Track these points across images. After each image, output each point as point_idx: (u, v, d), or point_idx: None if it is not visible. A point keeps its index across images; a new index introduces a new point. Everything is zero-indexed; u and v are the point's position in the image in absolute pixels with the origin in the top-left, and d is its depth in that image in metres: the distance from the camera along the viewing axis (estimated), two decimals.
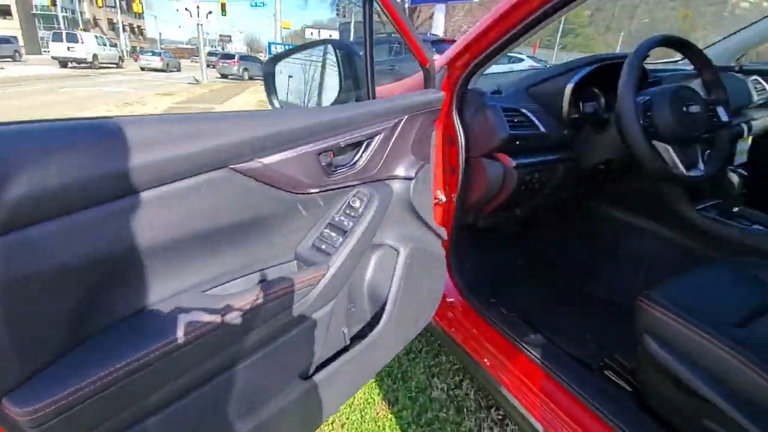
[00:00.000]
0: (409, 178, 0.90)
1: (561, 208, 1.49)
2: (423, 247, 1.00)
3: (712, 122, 1.00)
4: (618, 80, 0.95)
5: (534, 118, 1.07)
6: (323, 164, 0.70)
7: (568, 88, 1.07)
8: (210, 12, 13.57)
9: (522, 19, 0.87)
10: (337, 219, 0.76)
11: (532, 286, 1.50)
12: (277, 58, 0.92)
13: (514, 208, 1.28)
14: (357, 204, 0.78)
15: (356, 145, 0.79)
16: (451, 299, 1.25)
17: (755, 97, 1.59)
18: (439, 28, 11.26)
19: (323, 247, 0.74)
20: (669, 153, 0.93)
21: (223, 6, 13.90)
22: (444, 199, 1.16)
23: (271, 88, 0.93)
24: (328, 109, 0.73)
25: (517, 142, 1.04)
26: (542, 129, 1.07)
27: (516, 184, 1.05)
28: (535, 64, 12.14)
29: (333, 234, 0.75)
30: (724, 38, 1.69)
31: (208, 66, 15.43)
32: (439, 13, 11.35)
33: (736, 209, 1.13)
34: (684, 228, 1.26)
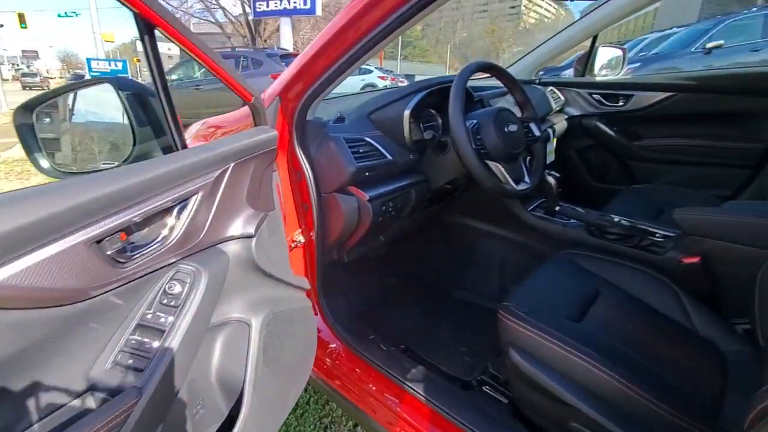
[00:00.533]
0: (249, 236, 0.76)
1: (421, 224, 1.53)
2: (282, 307, 0.87)
3: (528, 137, 1.12)
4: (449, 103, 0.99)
5: (379, 147, 1.04)
6: (108, 253, 0.51)
7: (406, 114, 1.08)
8: (1, 25, 10.80)
9: (358, 40, 0.82)
10: (149, 317, 0.58)
11: (406, 305, 1.50)
12: (33, 105, 0.67)
13: (377, 236, 1.25)
14: (177, 289, 0.60)
15: (166, 213, 0.62)
16: (332, 345, 1.14)
17: (553, 105, 1.90)
18: (287, 42, 11.06)
19: (130, 362, 0.55)
20: (500, 170, 1.01)
21: (21, 17, 11.20)
22: (303, 239, 1.05)
23: (32, 145, 0.68)
24: (112, 174, 0.54)
25: (367, 174, 1.00)
26: (389, 156, 1.05)
27: (373, 216, 1.01)
28: (382, 74, 12.98)
29: (145, 339, 0.56)
30: (524, 56, 1.99)
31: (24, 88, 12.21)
32: (285, 26, 11.15)
33: (557, 207, 1.30)
34: (522, 228, 1.40)
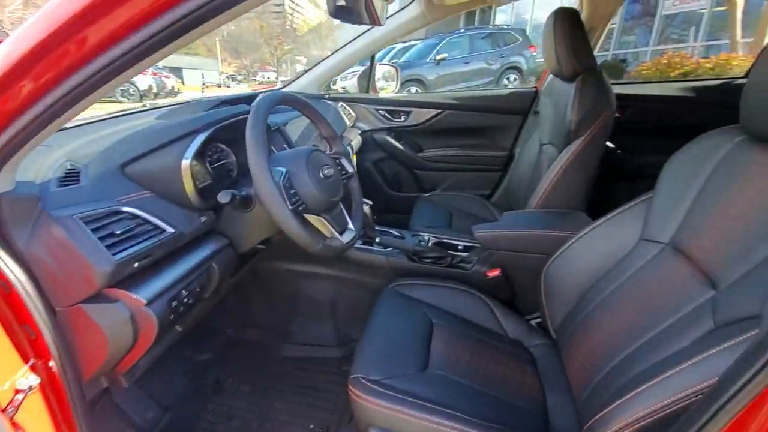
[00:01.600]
0: None
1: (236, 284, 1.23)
2: None
3: (342, 176, 1.01)
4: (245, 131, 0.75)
5: (151, 218, 0.71)
6: None
7: (185, 165, 0.78)
8: None
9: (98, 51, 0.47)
10: None
11: (229, 387, 1.20)
12: None
13: (171, 330, 0.90)
14: None
15: None
16: None
17: (347, 121, 1.88)
18: None
19: None
20: (325, 225, 0.85)
21: None
22: (36, 382, 0.62)
23: None
24: None
25: (137, 264, 0.66)
26: (169, 229, 0.73)
27: (159, 322, 0.68)
28: None
29: None
30: (309, 69, 1.88)
31: None
32: None
33: (378, 239, 1.26)
34: (346, 264, 1.31)
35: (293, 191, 0.79)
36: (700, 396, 0.56)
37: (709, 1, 8.21)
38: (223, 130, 0.91)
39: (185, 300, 0.75)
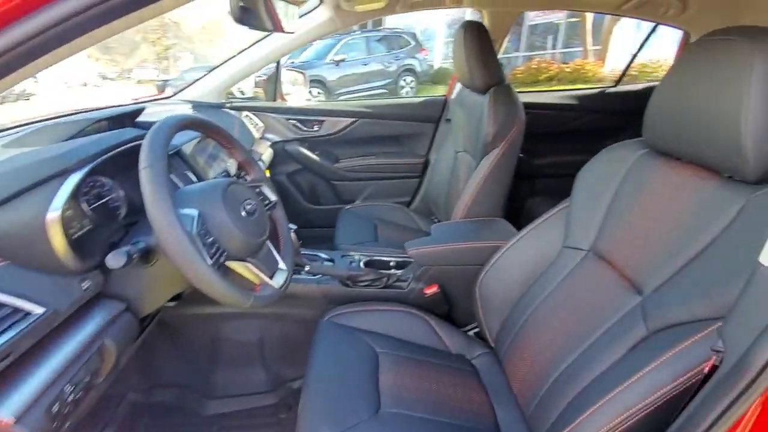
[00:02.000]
0: None
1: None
2: None
3: (264, 206, 0.88)
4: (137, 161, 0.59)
5: (10, 299, 0.51)
6: None
7: (50, 220, 0.58)
8: None
9: None
10: None
11: None
12: None
13: None
14: None
15: None
16: None
17: (255, 133, 1.71)
18: None
19: None
20: (251, 271, 0.72)
21: None
22: None
23: None
24: None
25: None
26: (39, 310, 0.54)
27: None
28: None
29: None
30: (205, 75, 1.66)
31: None
32: None
33: (307, 267, 1.15)
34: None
35: (210, 239, 0.64)
36: (651, 409, 0.59)
37: (565, 13, 9.61)
38: (104, 162, 0.72)
39: (71, 398, 0.56)
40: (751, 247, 0.55)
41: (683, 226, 0.70)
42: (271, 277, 0.77)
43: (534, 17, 10.36)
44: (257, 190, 0.88)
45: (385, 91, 8.79)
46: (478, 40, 1.33)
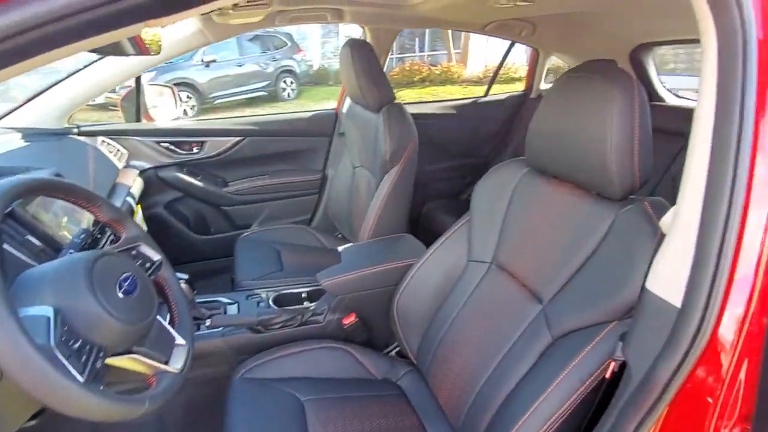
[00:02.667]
0: None
1: None
2: None
3: (147, 270, 0.72)
4: None
5: None
6: None
7: None
8: None
9: None
10: None
11: None
12: None
13: None
14: None
15: None
16: None
17: (118, 163, 1.44)
18: None
19: None
20: (143, 362, 0.58)
21: None
22: None
23: None
24: None
25: None
26: None
27: None
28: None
29: None
30: (39, 93, 1.32)
31: None
32: None
33: (208, 321, 1.00)
34: None
35: (77, 344, 0.49)
36: (568, 414, 0.65)
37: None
38: None
39: None
40: (623, 259, 0.65)
41: (568, 238, 0.79)
42: (166, 362, 0.64)
43: None
44: (133, 252, 0.72)
45: (265, 93, 8.38)
46: (366, 59, 1.32)
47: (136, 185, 1.49)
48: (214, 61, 8.02)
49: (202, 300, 1.12)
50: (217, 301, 1.14)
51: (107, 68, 1.36)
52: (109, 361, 0.55)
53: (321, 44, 12.15)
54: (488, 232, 0.96)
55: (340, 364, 1.05)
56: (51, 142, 1.29)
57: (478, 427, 0.80)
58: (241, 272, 1.41)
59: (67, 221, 0.86)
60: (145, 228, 1.49)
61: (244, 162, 1.79)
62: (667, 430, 0.46)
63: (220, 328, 1.05)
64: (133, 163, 1.59)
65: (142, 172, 1.59)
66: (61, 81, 1.34)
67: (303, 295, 1.22)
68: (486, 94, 2.17)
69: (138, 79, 1.53)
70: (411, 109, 1.43)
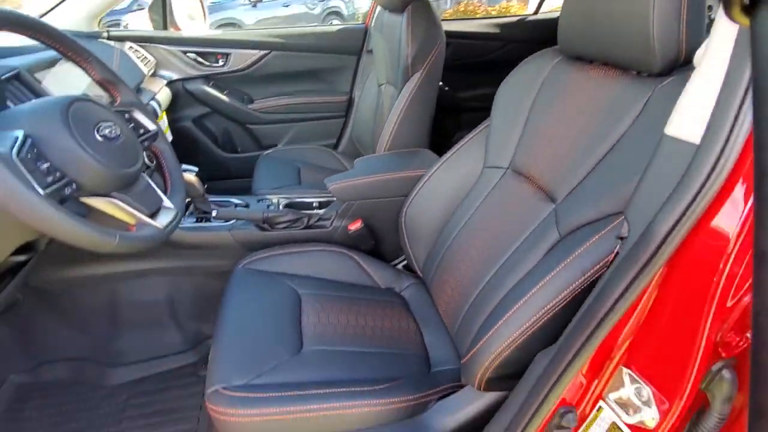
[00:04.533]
0: None
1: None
2: None
3: (140, 136, 0.72)
4: None
5: None
6: None
7: None
8: None
9: None
10: None
11: None
12: None
13: None
14: None
15: None
16: None
17: (144, 69, 1.45)
18: None
19: None
20: (122, 208, 0.59)
21: None
22: None
23: None
24: None
25: None
26: None
27: None
28: None
29: None
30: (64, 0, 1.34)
31: None
32: None
33: (215, 212, 1.02)
34: (179, 250, 1.03)
35: (45, 165, 0.50)
36: (561, 306, 0.59)
37: None
38: None
39: None
40: (657, 134, 0.55)
41: (595, 126, 0.70)
42: (151, 216, 0.64)
43: None
44: (127, 115, 0.72)
45: None
46: None
47: (163, 93, 1.51)
48: (260, 0, 7.90)
49: (214, 199, 1.13)
50: (227, 201, 1.16)
51: None
52: (86, 200, 0.56)
53: None
54: (508, 135, 0.88)
55: (343, 268, 1.04)
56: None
57: (471, 328, 0.76)
58: (257, 183, 1.42)
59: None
60: (170, 137, 1.53)
61: (269, 79, 1.75)
62: (666, 295, 0.39)
63: (229, 222, 1.07)
64: (161, 72, 1.60)
65: (170, 83, 1.60)
66: None
67: (314, 204, 1.21)
68: (537, 11, 1.92)
69: None
70: (446, 26, 1.30)
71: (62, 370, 1.01)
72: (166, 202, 0.70)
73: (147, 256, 1.01)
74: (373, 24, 1.63)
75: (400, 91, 1.27)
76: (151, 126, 0.76)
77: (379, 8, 1.57)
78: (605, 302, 0.45)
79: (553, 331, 0.60)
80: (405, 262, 1.19)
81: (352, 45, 1.77)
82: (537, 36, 1.92)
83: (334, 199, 1.18)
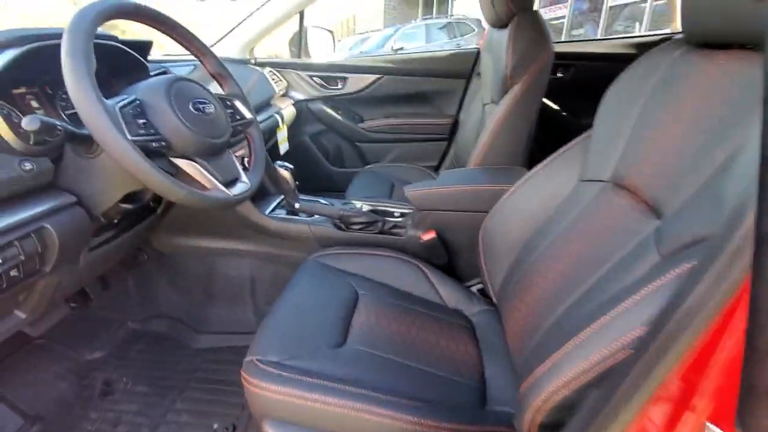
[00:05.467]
0: None
1: (121, 258, 1.02)
2: None
3: (236, 121, 0.83)
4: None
5: None
6: None
7: None
8: None
9: None
10: None
11: (134, 384, 1.00)
12: None
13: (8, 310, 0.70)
14: None
15: None
16: None
17: (276, 88, 1.70)
18: None
19: None
20: (201, 172, 0.68)
21: None
22: None
23: None
24: None
25: None
26: None
27: None
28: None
29: None
30: (229, 32, 1.67)
31: None
32: None
33: (298, 204, 1.10)
34: (264, 236, 1.14)
35: (142, 121, 0.61)
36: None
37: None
38: (35, 57, 0.69)
39: (4, 272, 0.56)
40: None
41: (719, 121, 0.54)
42: (227, 185, 0.72)
43: None
44: (228, 103, 0.83)
45: None
46: None
47: (288, 110, 1.74)
48: (402, 48, 8.66)
49: (305, 198, 1.22)
50: (316, 201, 1.23)
51: (273, 8, 1.59)
52: (174, 159, 0.66)
53: None
54: (612, 144, 0.75)
55: (411, 279, 0.99)
56: (232, 67, 1.62)
57: (533, 361, 0.63)
58: (351, 190, 1.48)
59: None
60: (286, 146, 1.73)
61: (380, 100, 1.87)
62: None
63: (312, 218, 1.13)
64: (291, 93, 1.85)
65: (296, 103, 1.84)
66: (241, 22, 1.66)
67: (395, 213, 1.20)
68: None
69: (301, 18, 1.76)
70: (570, 48, 1.20)
71: (164, 325, 1.19)
72: (243, 177, 0.78)
73: (240, 237, 1.14)
74: (484, 45, 1.61)
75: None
76: (247, 114, 0.86)
77: (488, 28, 1.55)
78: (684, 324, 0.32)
79: None
80: (480, 286, 1.07)
81: (462, 68, 1.77)
82: None
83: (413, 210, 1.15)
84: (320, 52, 1.89)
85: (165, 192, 0.60)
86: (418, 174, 1.72)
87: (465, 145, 1.63)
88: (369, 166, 1.77)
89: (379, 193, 1.49)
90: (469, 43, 8.81)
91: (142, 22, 0.70)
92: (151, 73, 0.89)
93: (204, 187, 0.68)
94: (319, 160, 1.96)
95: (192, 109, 0.68)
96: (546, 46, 1.11)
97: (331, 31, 1.96)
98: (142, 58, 0.88)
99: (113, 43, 0.82)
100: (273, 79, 1.72)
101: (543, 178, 0.87)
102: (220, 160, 0.73)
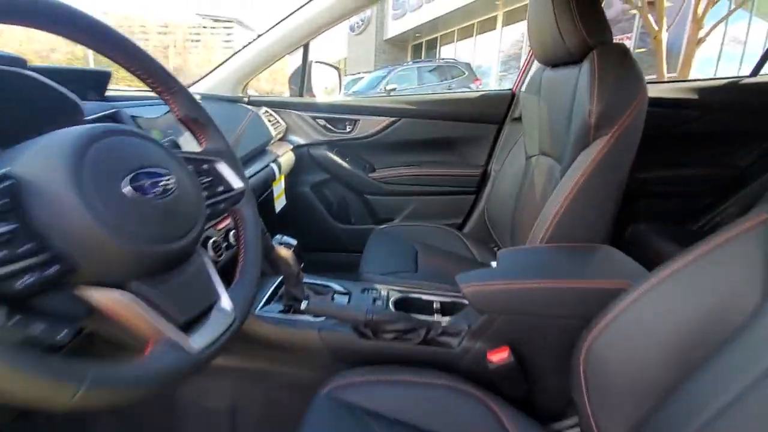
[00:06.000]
0: None
1: None
2: None
3: (216, 196, 0.51)
4: None
5: None
6: None
7: None
8: None
9: None
10: None
11: None
12: None
13: None
14: None
15: None
16: None
17: (273, 132, 1.40)
18: None
19: None
20: (132, 309, 0.34)
21: None
22: None
23: None
24: None
25: None
26: None
27: None
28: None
29: None
30: (218, 66, 1.39)
31: None
32: None
33: (305, 302, 0.76)
34: (256, 350, 0.78)
35: (9, 227, 0.28)
36: None
37: (633, 41, 8.88)
38: None
39: None
40: None
41: None
42: (183, 328, 0.38)
43: None
44: (205, 166, 0.51)
45: None
46: None
47: (286, 157, 1.43)
48: (394, 89, 8.73)
49: (309, 281, 0.88)
50: (327, 285, 0.90)
51: (270, 40, 1.33)
52: (83, 291, 0.32)
53: (498, 79, 11.92)
54: None
55: (474, 424, 0.65)
56: (221, 106, 1.32)
57: None
58: (367, 264, 1.15)
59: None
60: (283, 201, 1.40)
61: (395, 147, 1.58)
62: None
63: (320, 319, 0.78)
64: (291, 137, 1.56)
65: (296, 148, 1.54)
66: (233, 55, 1.38)
67: (435, 305, 0.87)
68: (756, 71, 1.42)
69: (305, 53, 1.49)
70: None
71: None
72: (224, 300, 0.44)
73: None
74: (524, 88, 1.36)
75: (568, 164, 0.91)
76: (236, 184, 0.54)
77: (533, 70, 1.31)
78: None
79: None
80: (578, 429, 0.72)
81: (495, 113, 1.51)
82: (754, 103, 1.40)
83: (464, 301, 0.83)
84: (325, 91, 1.62)
85: (37, 400, 0.26)
86: (444, 236, 1.41)
87: (501, 201, 1.34)
88: (383, 226, 1.45)
89: (401, 265, 1.16)
90: (461, 85, 8.89)
91: (52, 32, 0.38)
92: (89, 117, 0.57)
93: (144, 342, 0.35)
94: (321, 215, 1.63)
95: (127, 189, 0.35)
96: (641, 85, 0.84)
97: (337, 68, 1.70)
98: (72, 94, 0.55)
99: (21, 70, 0.50)
100: (270, 121, 1.43)
101: (690, 279, 0.56)
102: (180, 276, 0.40)
